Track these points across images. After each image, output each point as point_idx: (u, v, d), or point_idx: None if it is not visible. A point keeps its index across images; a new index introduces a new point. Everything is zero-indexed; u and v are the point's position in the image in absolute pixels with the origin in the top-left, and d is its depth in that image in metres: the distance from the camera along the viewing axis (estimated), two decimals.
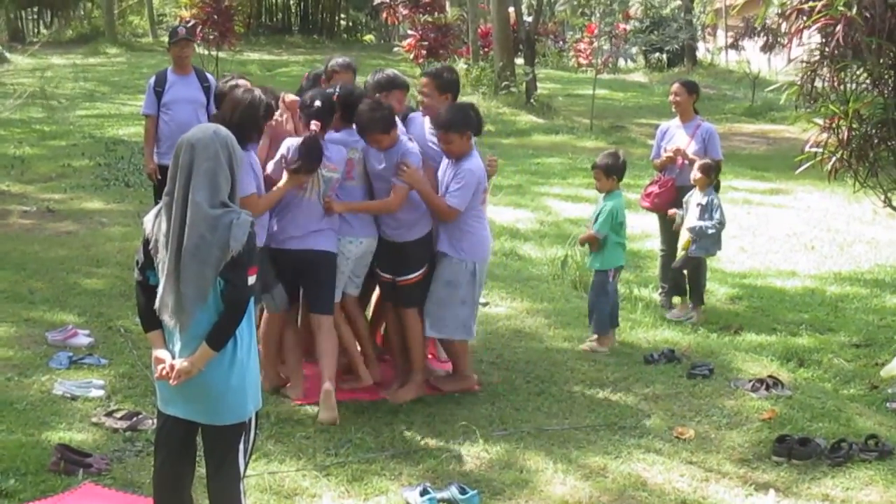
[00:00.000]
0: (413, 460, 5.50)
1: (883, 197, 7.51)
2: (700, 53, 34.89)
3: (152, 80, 8.49)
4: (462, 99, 6.87)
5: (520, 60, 24.47)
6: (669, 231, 8.80)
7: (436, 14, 25.21)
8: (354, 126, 6.14)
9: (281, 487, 5.11)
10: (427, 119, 6.52)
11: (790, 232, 12.13)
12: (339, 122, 6.15)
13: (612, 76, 30.33)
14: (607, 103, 24.01)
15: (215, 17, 21.95)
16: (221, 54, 22.14)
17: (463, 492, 5.00)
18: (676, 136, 8.82)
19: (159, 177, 8.12)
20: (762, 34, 26.53)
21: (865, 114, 7.07)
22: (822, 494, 5.31)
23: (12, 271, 8.60)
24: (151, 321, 4.04)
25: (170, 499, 4.16)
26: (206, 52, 21.32)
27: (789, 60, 7.98)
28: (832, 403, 6.56)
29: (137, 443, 5.49)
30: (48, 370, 6.43)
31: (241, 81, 6.22)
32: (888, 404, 6.87)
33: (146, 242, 4.00)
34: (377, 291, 6.80)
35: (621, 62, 32.93)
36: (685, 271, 8.63)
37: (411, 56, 24.18)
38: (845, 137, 7.08)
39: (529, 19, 24.87)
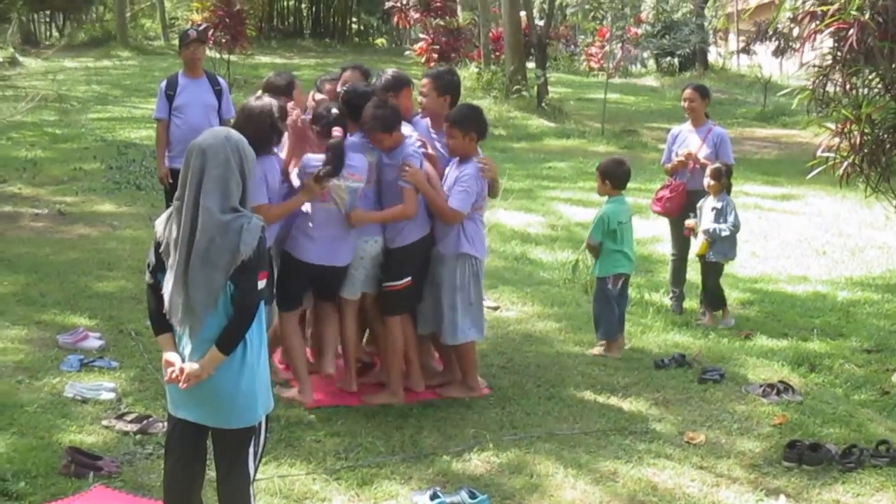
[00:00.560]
0: (423, 464, 5.49)
1: (895, 202, 7.49)
2: (712, 58, 34.87)
3: (164, 83, 8.48)
4: (474, 103, 6.84)
5: (531, 64, 24.48)
6: (680, 236, 8.79)
7: (447, 18, 25.26)
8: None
9: (291, 491, 5.10)
10: (427, 120, 6.50)
11: (802, 237, 12.11)
12: (351, 125, 6.09)
13: (624, 80, 30.36)
14: (618, 107, 24.00)
15: (227, 20, 22.06)
16: (233, 58, 22.22)
17: (473, 496, 4.98)
18: (688, 141, 8.79)
19: (171, 180, 8.12)
20: (774, 38, 26.55)
21: (877, 118, 7.06)
22: (832, 500, 5.28)
23: (24, 274, 8.63)
24: (162, 324, 4.05)
25: (180, 502, 4.18)
26: (218, 56, 21.40)
27: (801, 65, 7.98)
28: (843, 409, 6.54)
29: (148, 446, 5.49)
30: (59, 373, 6.44)
31: (268, 99, 5.75)
32: None
33: (157, 246, 4.02)
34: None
35: (632, 66, 32.92)
36: (708, 281, 8.64)
37: (423, 59, 24.21)
38: (857, 142, 7.07)
39: (541, 23, 24.86)
